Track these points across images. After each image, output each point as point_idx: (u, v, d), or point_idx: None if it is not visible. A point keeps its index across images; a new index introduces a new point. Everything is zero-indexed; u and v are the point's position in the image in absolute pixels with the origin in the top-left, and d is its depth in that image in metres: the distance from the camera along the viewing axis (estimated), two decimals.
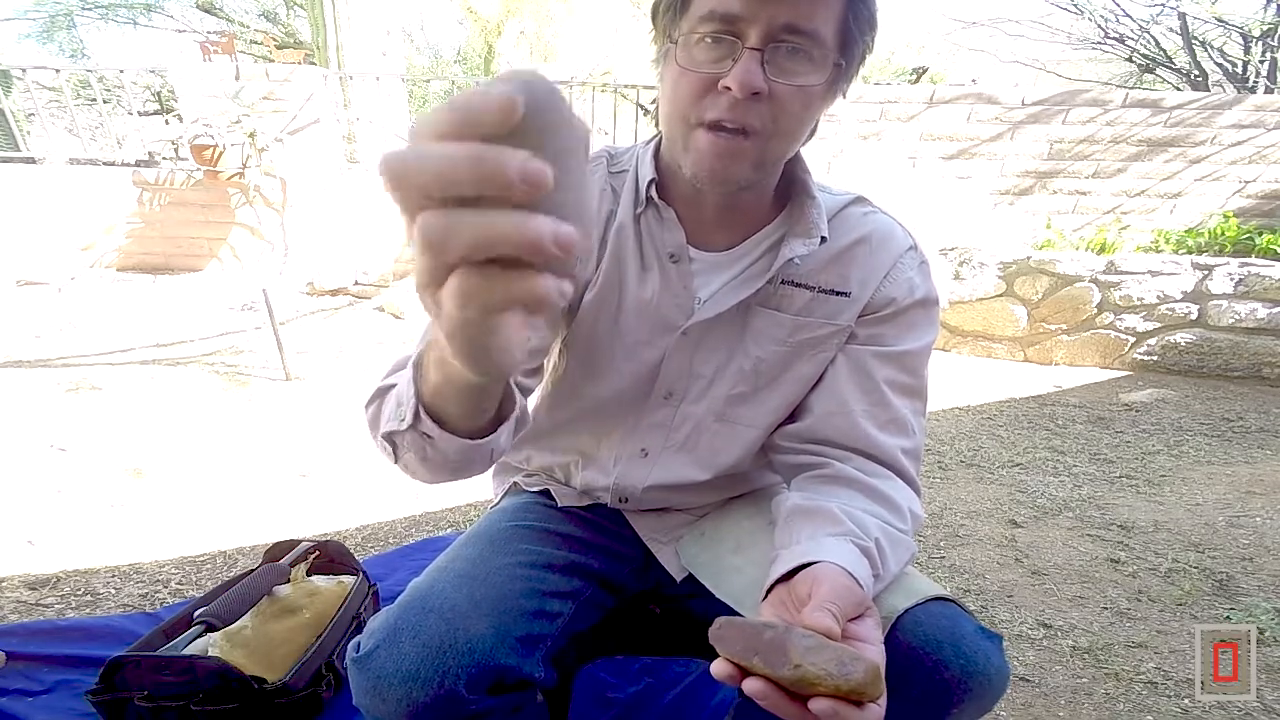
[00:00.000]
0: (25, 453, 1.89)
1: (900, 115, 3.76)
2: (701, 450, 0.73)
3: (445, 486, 1.77)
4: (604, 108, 4.71)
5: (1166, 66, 6.98)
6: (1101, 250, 3.42)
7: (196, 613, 1.01)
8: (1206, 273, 2.93)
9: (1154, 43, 6.84)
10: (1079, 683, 1.15)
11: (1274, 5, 5.96)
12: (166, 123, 5.91)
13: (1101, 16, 6.83)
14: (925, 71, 7.01)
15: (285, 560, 1.18)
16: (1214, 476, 1.98)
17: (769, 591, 0.54)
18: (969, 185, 3.86)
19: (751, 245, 0.68)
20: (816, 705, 0.39)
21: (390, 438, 0.50)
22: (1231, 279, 2.89)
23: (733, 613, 0.61)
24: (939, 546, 1.59)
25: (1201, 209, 3.79)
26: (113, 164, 4.39)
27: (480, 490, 1.70)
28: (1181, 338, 3.00)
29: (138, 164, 4.38)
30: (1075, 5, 6.83)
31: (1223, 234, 3.38)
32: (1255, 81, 6.14)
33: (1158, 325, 3.03)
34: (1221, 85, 6.58)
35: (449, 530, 1.63)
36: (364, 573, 1.22)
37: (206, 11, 11.26)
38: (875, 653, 0.45)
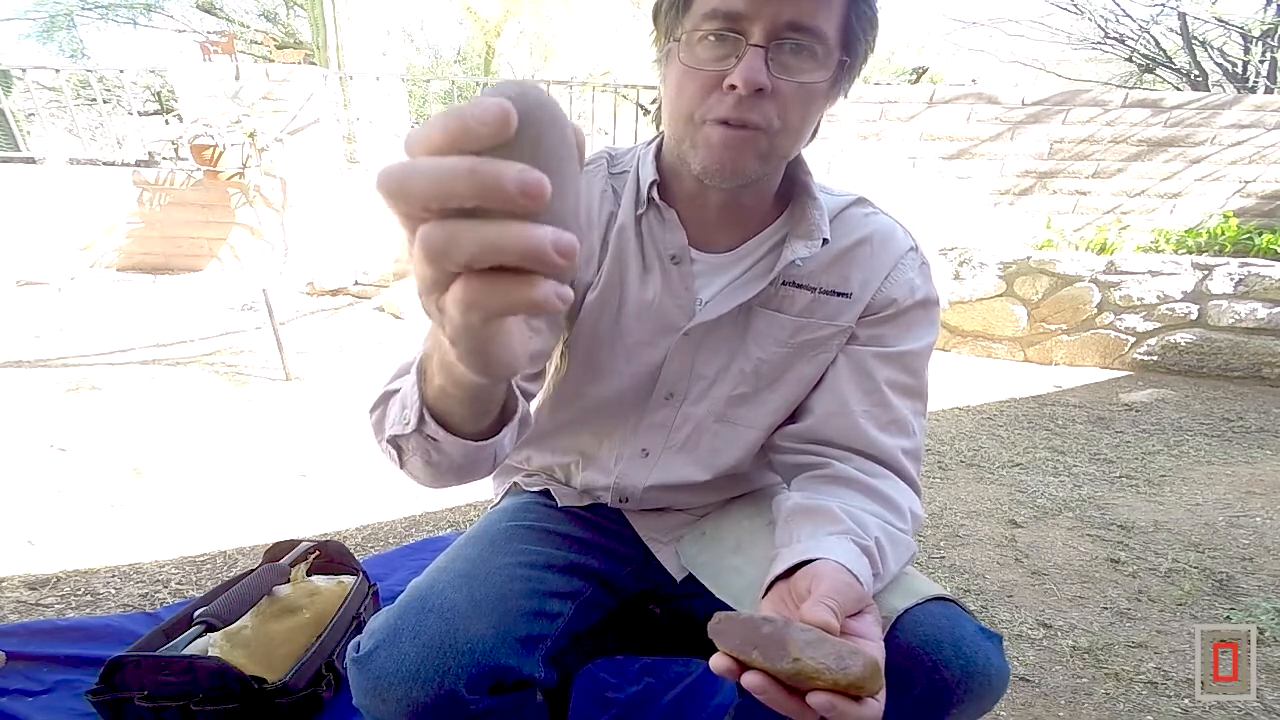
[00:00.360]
0: (25, 453, 1.89)
1: (900, 115, 3.76)
2: (702, 451, 0.73)
3: None
4: (604, 108, 4.72)
5: (1166, 66, 6.99)
6: (1101, 250, 3.42)
7: (196, 613, 1.01)
8: (1206, 273, 2.93)
9: (1154, 43, 6.85)
10: (1079, 683, 1.15)
11: (1274, 5, 5.96)
12: (166, 123, 5.91)
13: (1101, 16, 6.84)
14: (925, 71, 7.02)
15: (285, 560, 1.18)
16: (1214, 476, 1.98)
17: (769, 589, 0.54)
18: (969, 185, 3.86)
19: (753, 246, 0.68)
20: (814, 699, 0.39)
21: (395, 441, 0.50)
22: (1231, 279, 2.89)
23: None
24: (939, 546, 1.59)
25: (1201, 209, 3.79)
26: (113, 164, 4.39)
27: (480, 490, 1.70)
28: (1181, 338, 3.00)
29: (138, 164, 4.38)
30: (1075, 5, 6.83)
31: (1223, 234, 3.38)
32: (1255, 81, 6.14)
33: (1158, 325, 3.03)
34: (1221, 85, 6.58)
35: (449, 530, 1.63)
36: (364, 573, 1.22)
37: (206, 11, 11.26)
38: (874, 648, 0.45)
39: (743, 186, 0.61)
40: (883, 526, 0.58)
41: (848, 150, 3.84)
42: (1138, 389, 2.81)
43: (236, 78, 4.11)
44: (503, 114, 0.22)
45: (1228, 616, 1.32)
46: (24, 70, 4.96)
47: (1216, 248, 3.37)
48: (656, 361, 0.69)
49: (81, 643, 1.14)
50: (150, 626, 1.08)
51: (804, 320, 0.68)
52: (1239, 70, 6.39)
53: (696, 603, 0.73)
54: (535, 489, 0.83)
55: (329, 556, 1.24)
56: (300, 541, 1.24)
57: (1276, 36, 5.86)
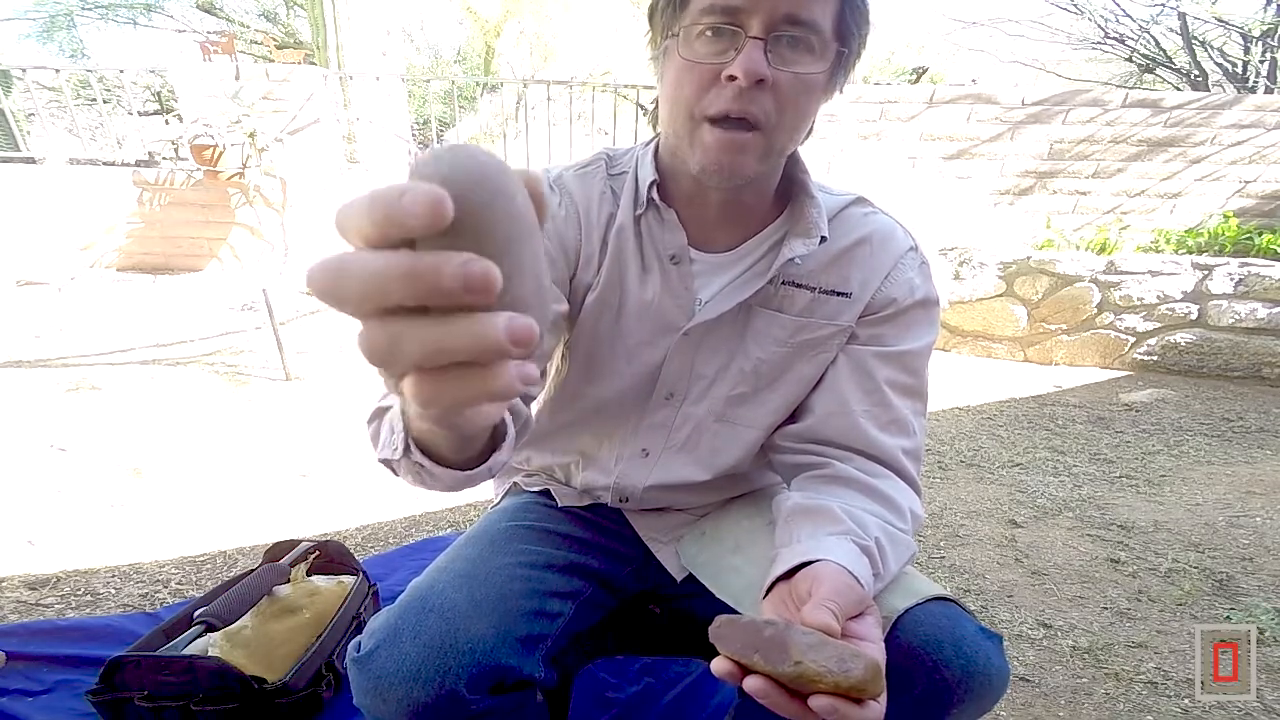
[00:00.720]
0: (25, 453, 1.89)
1: (900, 115, 3.76)
2: (702, 450, 0.73)
3: None
4: (604, 108, 4.71)
5: (1166, 66, 6.98)
6: (1101, 250, 3.42)
7: (196, 613, 1.01)
8: (1206, 273, 2.93)
9: (1154, 43, 6.85)
10: (1079, 683, 1.15)
11: (1274, 5, 5.96)
12: (166, 123, 5.91)
13: (1101, 16, 6.84)
14: (925, 71, 7.02)
15: (285, 560, 1.18)
16: (1214, 476, 1.98)
17: (769, 590, 0.54)
18: (969, 185, 3.86)
19: (752, 246, 0.68)
20: (816, 702, 0.39)
21: (386, 463, 0.49)
22: (1231, 279, 2.89)
23: (733, 612, 0.61)
24: (939, 546, 1.59)
25: (1201, 209, 3.79)
26: (113, 164, 4.39)
27: (480, 490, 1.69)
28: (1181, 338, 3.00)
29: (138, 164, 4.38)
30: (1075, 5, 6.83)
31: (1223, 234, 3.38)
32: (1255, 81, 6.14)
33: (1158, 325, 3.03)
34: (1221, 85, 6.58)
35: (449, 530, 1.63)
36: (364, 573, 1.22)
37: (206, 11, 11.26)
38: (875, 651, 0.45)
39: (742, 186, 0.61)
40: (883, 526, 0.58)
41: (848, 150, 3.84)
42: (1138, 389, 2.81)
43: (236, 78, 4.11)
44: (433, 203, 0.20)
45: (1228, 616, 1.32)
46: (24, 70, 4.96)
47: (1216, 248, 3.37)
48: (656, 361, 0.69)
49: (81, 643, 1.14)
50: (150, 626, 1.08)
51: (804, 320, 0.68)
52: (1239, 70, 6.39)
53: (696, 603, 0.73)
54: (535, 489, 0.83)
55: (329, 556, 1.24)
56: (300, 541, 1.24)
57: (1276, 36, 5.86)
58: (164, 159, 4.28)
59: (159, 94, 8.36)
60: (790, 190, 0.68)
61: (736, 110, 0.55)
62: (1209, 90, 6.17)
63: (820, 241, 0.65)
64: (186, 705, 0.90)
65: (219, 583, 1.18)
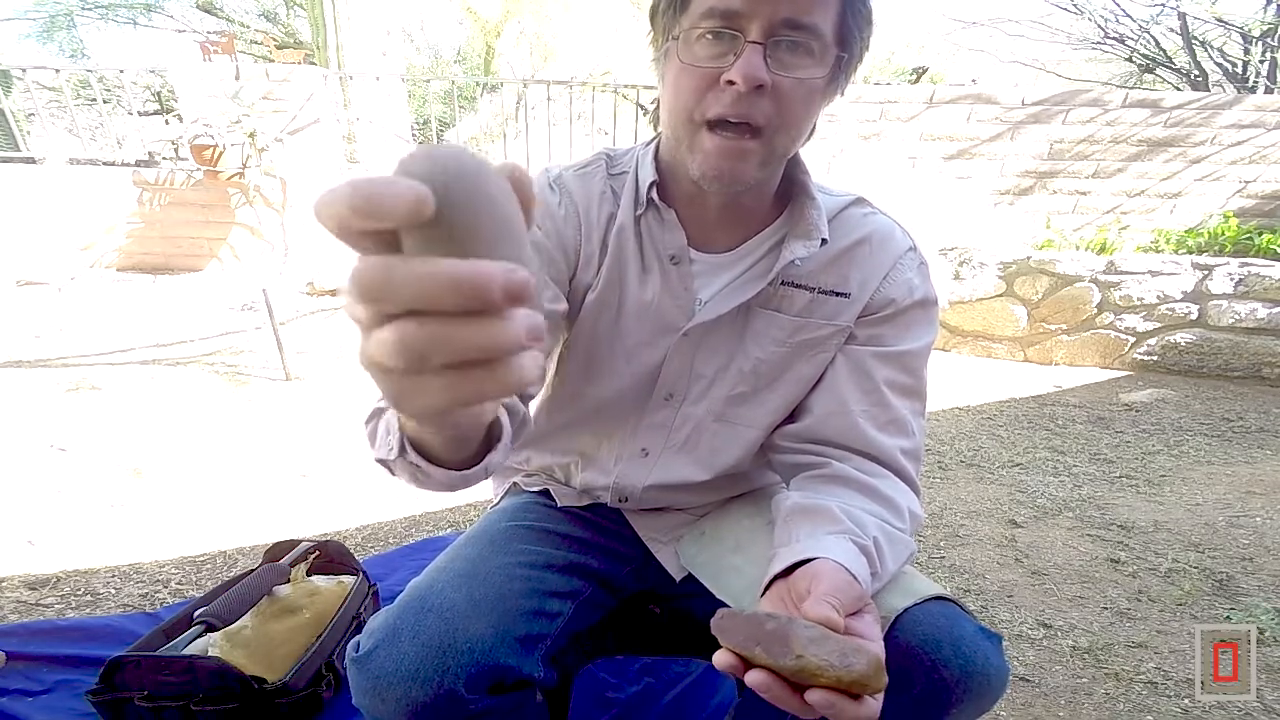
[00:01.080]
0: (25, 453, 1.89)
1: (900, 115, 3.76)
2: (701, 450, 0.73)
3: None
4: (604, 108, 4.72)
5: (1166, 66, 6.98)
6: (1101, 250, 3.41)
7: (196, 613, 1.01)
8: (1206, 273, 2.93)
9: (1154, 43, 6.84)
10: (1079, 683, 1.15)
11: (1274, 5, 5.96)
12: (166, 123, 5.91)
13: (1101, 16, 6.83)
14: (925, 71, 7.02)
15: (285, 560, 1.18)
16: (1214, 476, 1.98)
17: (767, 587, 0.54)
18: (969, 185, 3.86)
19: (752, 247, 0.68)
20: (813, 696, 0.39)
21: (383, 463, 0.50)
22: (1231, 279, 2.89)
23: None
24: (939, 546, 1.59)
25: (1201, 209, 3.79)
26: (113, 164, 4.39)
27: (480, 490, 1.69)
28: (1181, 338, 3.00)
29: (138, 164, 4.38)
30: (1075, 5, 6.83)
31: (1223, 234, 3.38)
32: (1255, 81, 6.14)
33: (1158, 325, 3.03)
34: (1221, 85, 6.58)
35: (449, 530, 1.63)
36: (364, 573, 1.22)
37: (206, 11, 11.25)
38: (875, 648, 0.45)
39: (745, 188, 0.61)
40: (881, 526, 0.58)
41: (848, 150, 3.84)
42: (1138, 389, 2.81)
43: (236, 78, 4.11)
44: (414, 196, 0.20)
45: (1228, 616, 1.32)
46: (24, 70, 4.96)
47: (1216, 248, 3.37)
48: (656, 362, 0.69)
49: (81, 643, 1.14)
50: (150, 626, 1.08)
51: (803, 320, 0.68)
52: (1239, 70, 6.38)
53: (696, 602, 0.73)
54: (535, 489, 0.83)
55: (329, 556, 1.24)
56: (300, 541, 1.24)
57: (1276, 36, 5.86)
58: (164, 159, 4.28)
59: (159, 94, 8.37)
60: (790, 191, 0.68)
61: (735, 115, 0.55)
62: (1209, 90, 6.16)
63: (821, 244, 0.65)
64: (186, 705, 0.90)
65: (219, 583, 1.18)
